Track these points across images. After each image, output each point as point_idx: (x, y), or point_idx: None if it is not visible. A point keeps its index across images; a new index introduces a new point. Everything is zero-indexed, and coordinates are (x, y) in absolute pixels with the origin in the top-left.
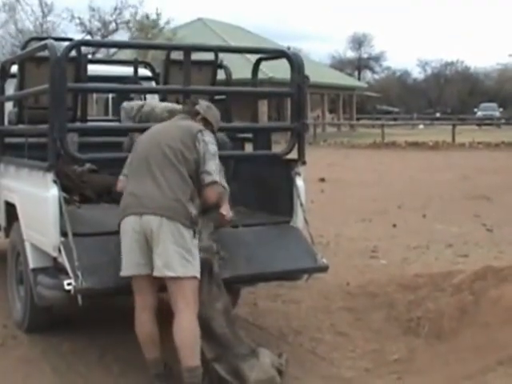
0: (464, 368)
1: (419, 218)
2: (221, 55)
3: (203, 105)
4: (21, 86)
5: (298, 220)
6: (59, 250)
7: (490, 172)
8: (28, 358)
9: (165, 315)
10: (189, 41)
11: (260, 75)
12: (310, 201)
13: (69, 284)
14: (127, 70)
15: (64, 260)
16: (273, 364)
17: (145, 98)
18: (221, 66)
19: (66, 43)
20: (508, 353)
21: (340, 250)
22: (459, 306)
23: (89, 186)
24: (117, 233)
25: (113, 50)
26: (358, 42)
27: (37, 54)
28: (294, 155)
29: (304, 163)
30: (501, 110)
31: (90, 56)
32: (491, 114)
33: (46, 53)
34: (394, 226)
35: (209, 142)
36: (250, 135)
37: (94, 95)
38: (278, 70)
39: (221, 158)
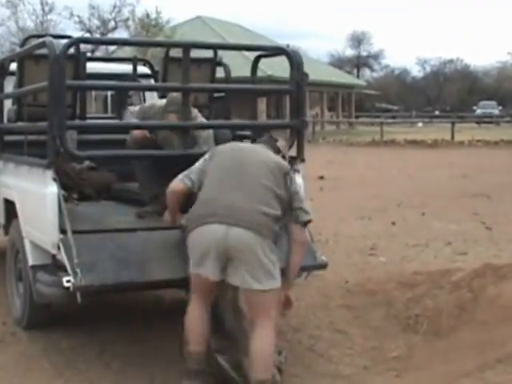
0: (463, 365)
1: (418, 216)
2: (220, 53)
3: (283, 144)
4: (20, 84)
5: None
6: (58, 248)
7: (489, 170)
8: (27, 355)
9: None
10: (188, 39)
11: (259, 73)
12: (309, 198)
13: (68, 281)
14: (126, 68)
15: (63, 257)
16: (275, 362)
17: (144, 96)
18: (220, 64)
19: (65, 41)
20: (506, 350)
21: (339, 248)
22: (458, 304)
23: (88, 184)
24: (116, 230)
25: (112, 48)
26: (357, 40)
27: (36, 52)
28: (292, 153)
29: (303, 160)
30: (500, 108)
31: (89, 54)
32: (490, 112)
33: (44, 50)
34: (393, 223)
35: (297, 183)
36: (248, 133)
37: (93, 93)
38: (277, 68)
39: None
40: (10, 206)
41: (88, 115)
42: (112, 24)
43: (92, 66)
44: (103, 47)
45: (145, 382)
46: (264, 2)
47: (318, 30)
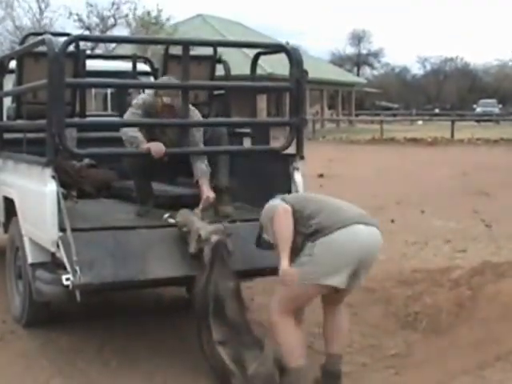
0: (462, 363)
1: (418, 214)
2: (220, 51)
3: None
4: (19, 82)
5: None
6: (57, 246)
7: (489, 168)
8: (26, 353)
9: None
10: (188, 37)
11: (259, 71)
12: None
13: (67, 279)
14: (126, 66)
15: (62, 255)
16: (275, 360)
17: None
18: (220, 61)
19: (64, 38)
20: (505, 348)
21: None
22: (457, 302)
23: (87, 182)
24: (115, 228)
25: (112, 46)
26: (358, 38)
27: (35, 50)
28: (292, 150)
29: (302, 158)
30: (500, 106)
31: (88, 51)
32: (490, 111)
33: (44, 48)
34: (393, 221)
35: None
36: (248, 130)
37: (93, 90)
38: (277, 66)
39: (219, 152)
40: (9, 203)
41: (88, 113)
42: (111, 21)
43: (92, 64)
44: (103, 45)
45: (144, 379)
46: (265, 1)
47: (319, 29)
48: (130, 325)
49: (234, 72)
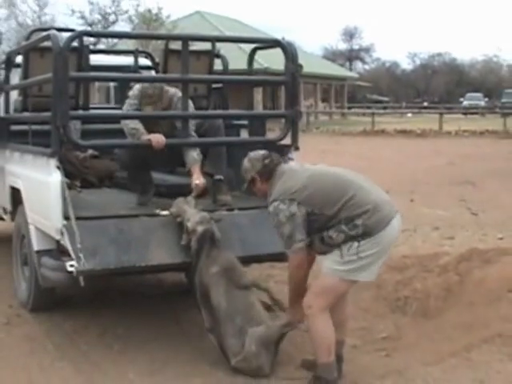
0: (449, 345)
1: (407, 202)
2: (218, 46)
3: None
4: (25, 76)
5: None
6: (62, 233)
7: (475, 158)
8: (32, 336)
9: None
10: (188, 32)
11: (256, 66)
12: None
13: (71, 266)
14: (128, 60)
15: (66, 242)
16: (262, 345)
17: None
18: (218, 56)
19: (69, 34)
20: (491, 331)
21: None
22: (445, 286)
23: (91, 172)
24: (117, 216)
25: (114, 41)
26: (350, 34)
27: (40, 45)
28: (287, 141)
29: (297, 149)
30: (486, 99)
31: (91, 46)
32: (476, 104)
33: (49, 43)
34: None
35: None
36: (245, 122)
37: (96, 84)
38: (273, 61)
39: (218, 143)
40: (15, 193)
41: (91, 106)
42: (113, 18)
43: (95, 59)
44: (105, 41)
45: (145, 362)
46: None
47: (312, 25)
48: (131, 310)
49: (231, 66)
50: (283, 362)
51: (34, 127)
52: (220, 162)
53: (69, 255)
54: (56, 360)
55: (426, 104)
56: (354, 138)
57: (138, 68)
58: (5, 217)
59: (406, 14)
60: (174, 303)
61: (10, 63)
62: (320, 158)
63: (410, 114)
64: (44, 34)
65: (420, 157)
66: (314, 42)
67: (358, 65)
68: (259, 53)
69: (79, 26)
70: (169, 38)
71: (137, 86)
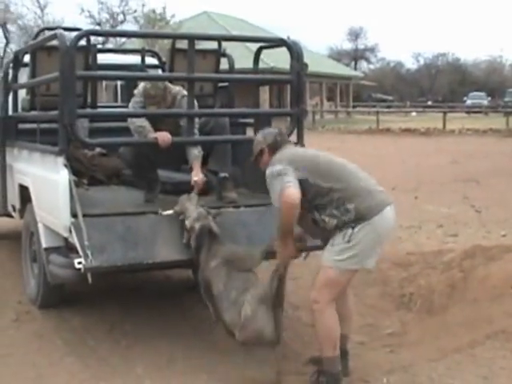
0: (453, 341)
1: (411, 200)
2: (224, 45)
3: None
4: (33, 75)
5: None
6: (70, 231)
7: (479, 157)
8: (41, 332)
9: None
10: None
11: (262, 65)
12: None
13: (79, 263)
14: (135, 59)
15: (74, 240)
16: (258, 305)
17: None
18: (224, 55)
19: (75, 33)
20: (495, 327)
21: None
22: (449, 283)
23: (99, 169)
24: (124, 214)
25: (122, 41)
26: (355, 34)
27: (48, 44)
28: (293, 139)
29: (303, 146)
30: (489, 98)
31: (100, 46)
32: (480, 103)
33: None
34: None
35: None
36: (251, 120)
37: (104, 83)
38: (279, 60)
39: (224, 141)
40: (24, 191)
41: (98, 104)
42: (121, 17)
43: (103, 58)
44: (113, 40)
45: (152, 358)
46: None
47: (318, 25)
48: (139, 306)
49: (237, 65)
50: (291, 358)
51: (42, 126)
52: (225, 160)
53: (77, 252)
54: (65, 356)
55: (429, 103)
56: (359, 137)
57: (144, 67)
58: (14, 214)
59: (410, 14)
60: (181, 299)
61: (17, 62)
62: None
63: (414, 113)
64: (51, 33)
65: (424, 155)
66: (320, 41)
67: (363, 64)
68: (265, 52)
69: (88, 25)
70: (175, 37)
71: (142, 85)
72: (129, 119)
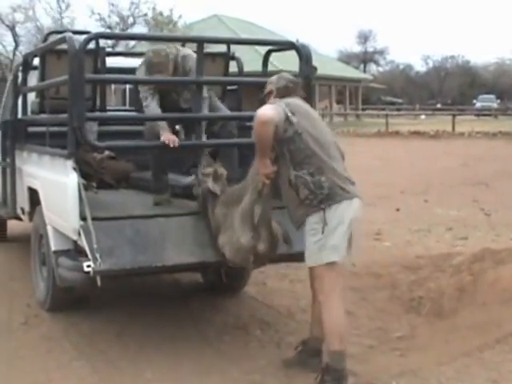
0: (463, 345)
1: (421, 203)
2: (233, 48)
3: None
4: (42, 78)
5: None
6: (79, 234)
7: (488, 160)
8: (50, 336)
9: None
10: (204, 35)
11: (271, 68)
12: None
13: (88, 266)
14: None
15: (83, 243)
16: (243, 219)
17: None
18: (233, 58)
19: (84, 36)
20: (505, 331)
21: None
22: (459, 286)
23: (108, 173)
24: (133, 217)
25: (132, 44)
26: (364, 37)
27: (57, 47)
28: None
29: None
30: (498, 101)
31: (109, 49)
32: (489, 105)
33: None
34: (397, 210)
35: None
36: None
37: (113, 86)
38: (288, 63)
39: (232, 144)
40: (33, 193)
41: (107, 107)
42: (131, 20)
43: (112, 61)
44: (124, 43)
45: (162, 362)
46: (276, 2)
47: (327, 28)
48: (148, 310)
49: (247, 68)
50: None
51: (52, 129)
52: (232, 163)
53: (86, 255)
54: (73, 359)
55: (439, 106)
56: (369, 140)
57: None
58: (23, 217)
59: (420, 17)
60: (190, 303)
61: (27, 65)
62: None
63: (423, 116)
64: (60, 36)
65: (433, 158)
66: (329, 44)
67: (373, 67)
68: (274, 55)
69: (98, 28)
70: (184, 40)
71: (144, 58)
72: (145, 111)
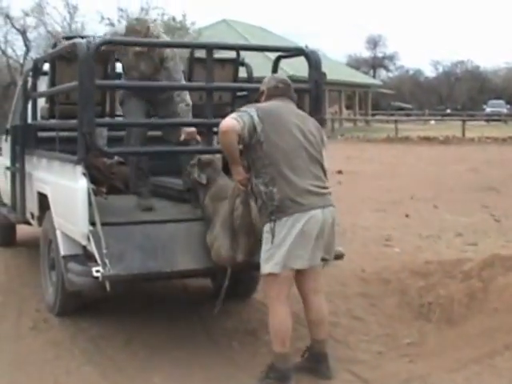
0: (473, 352)
1: (431, 209)
2: (243, 54)
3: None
4: (52, 83)
5: None
6: (88, 239)
7: (498, 165)
8: (58, 341)
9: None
10: (213, 41)
11: (281, 73)
12: None
13: (97, 271)
14: None
15: (92, 248)
16: (221, 226)
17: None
18: (242, 64)
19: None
20: None
21: (356, 239)
22: (468, 293)
23: (117, 178)
24: (142, 222)
25: None
26: (374, 42)
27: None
28: None
29: None
30: (508, 106)
31: None
32: (499, 111)
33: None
34: (407, 215)
35: None
36: None
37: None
38: (298, 68)
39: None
40: (43, 198)
41: (117, 113)
42: None
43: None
44: None
45: (170, 368)
46: (286, 7)
47: (336, 33)
48: (157, 315)
49: (256, 74)
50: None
51: (61, 134)
52: None
53: (95, 260)
54: (82, 365)
55: (448, 111)
56: (378, 145)
57: None
58: (32, 222)
59: (429, 22)
60: (199, 310)
61: (37, 70)
62: (345, 164)
63: (432, 121)
64: (69, 41)
65: (443, 163)
66: (339, 49)
67: (382, 72)
68: (284, 60)
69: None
70: (194, 46)
71: (124, 24)
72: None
